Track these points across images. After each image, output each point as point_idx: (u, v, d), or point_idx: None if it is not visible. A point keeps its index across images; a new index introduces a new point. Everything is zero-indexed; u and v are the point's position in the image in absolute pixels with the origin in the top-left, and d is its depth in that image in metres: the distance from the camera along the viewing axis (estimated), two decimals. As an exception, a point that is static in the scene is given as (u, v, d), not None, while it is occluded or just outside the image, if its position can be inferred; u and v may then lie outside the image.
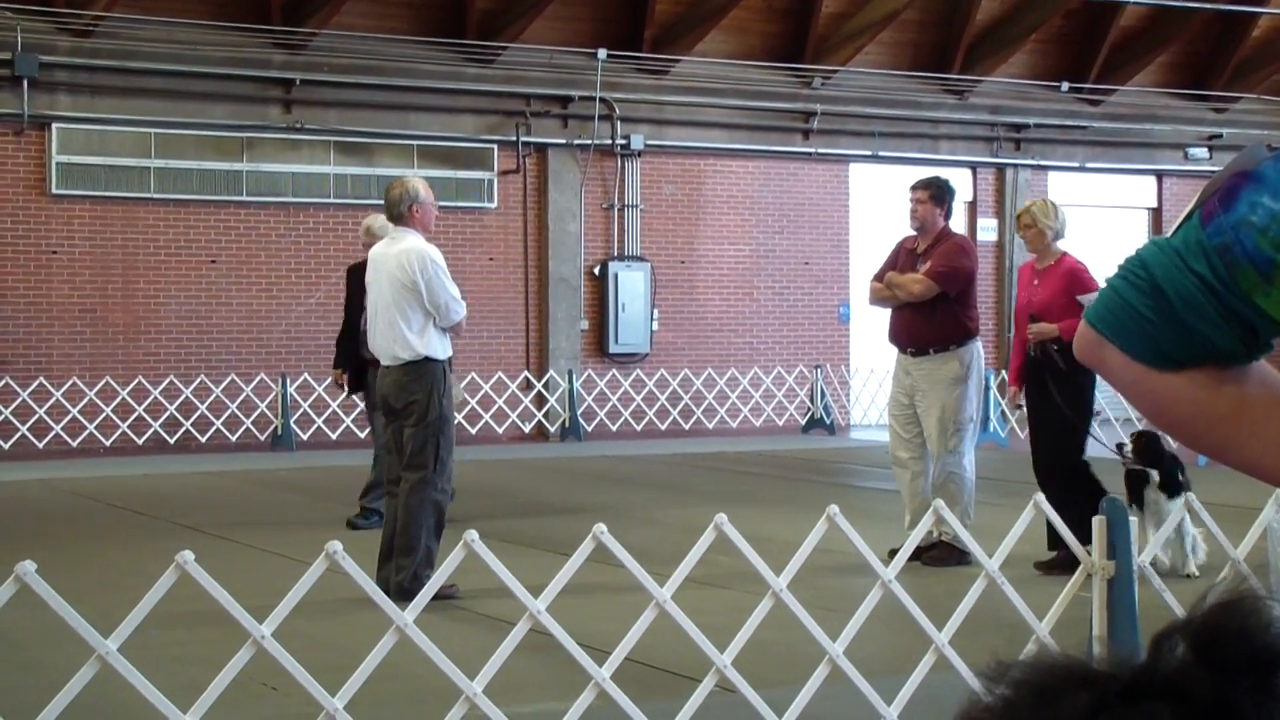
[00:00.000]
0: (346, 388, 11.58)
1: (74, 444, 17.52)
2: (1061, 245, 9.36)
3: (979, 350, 9.64)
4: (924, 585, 8.14)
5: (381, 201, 8.94)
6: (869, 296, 9.97)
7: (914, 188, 9.83)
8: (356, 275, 10.94)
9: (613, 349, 20.42)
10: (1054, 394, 8.83)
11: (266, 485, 14.30)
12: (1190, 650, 0.94)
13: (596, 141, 20.20)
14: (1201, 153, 24.20)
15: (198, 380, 18.21)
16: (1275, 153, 1.55)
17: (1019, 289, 9.61)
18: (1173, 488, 8.67)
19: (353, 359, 11.07)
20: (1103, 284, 1.65)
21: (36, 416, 17.35)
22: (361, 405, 17.64)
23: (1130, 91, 23.57)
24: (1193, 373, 1.57)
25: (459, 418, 16.98)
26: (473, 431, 18.55)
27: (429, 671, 5.15)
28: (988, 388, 16.61)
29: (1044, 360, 8.97)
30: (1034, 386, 9.16)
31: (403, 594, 7.21)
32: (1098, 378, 9.01)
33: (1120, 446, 8.91)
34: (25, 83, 17.42)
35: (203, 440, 18.13)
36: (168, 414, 18.04)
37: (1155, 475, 8.78)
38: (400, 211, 8.50)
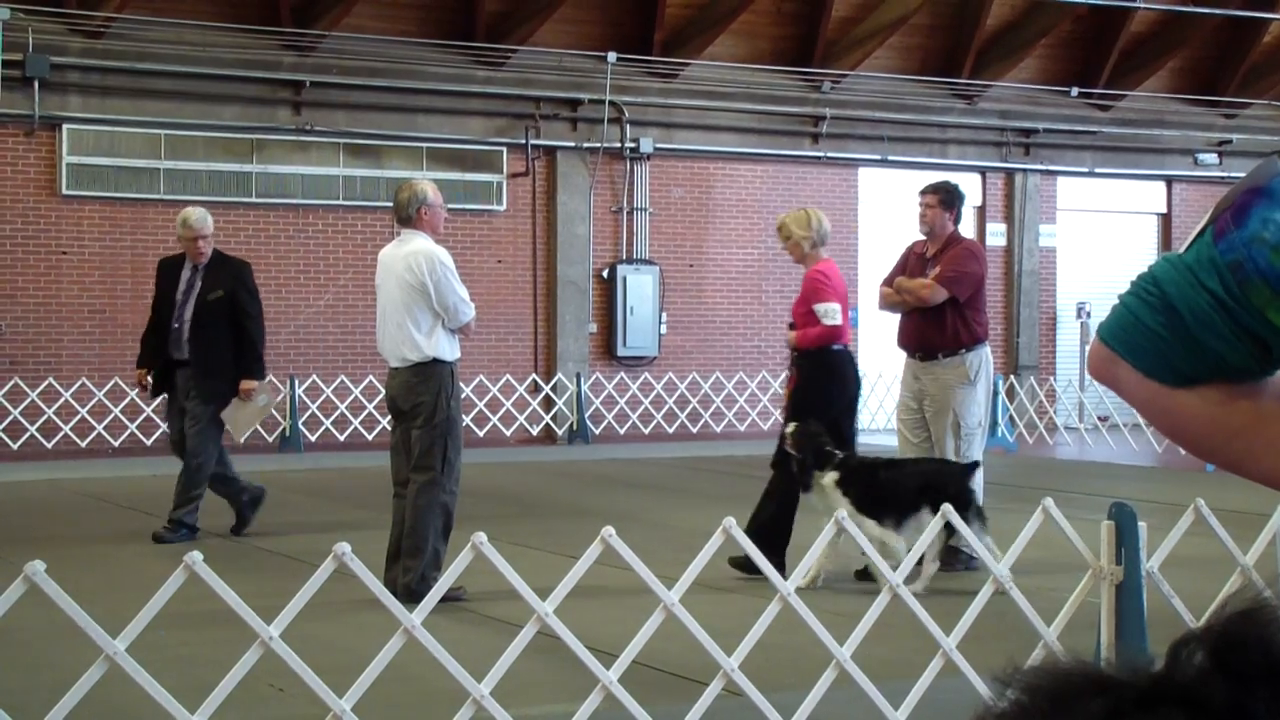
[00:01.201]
0: (150, 389, 10.87)
1: (83, 444, 17.54)
2: (824, 252, 9.41)
3: (988, 355, 9.64)
4: (932, 590, 8.13)
5: (390, 204, 8.95)
6: (878, 301, 9.97)
7: (923, 192, 9.83)
8: (167, 270, 10.58)
9: (621, 352, 20.42)
10: (792, 399, 9.26)
11: (274, 487, 14.26)
12: (1208, 658, 0.93)
13: (606, 144, 20.20)
14: (1211, 158, 24.16)
15: (206, 381, 18.20)
16: None
17: None
18: (803, 476, 8.82)
19: (159, 358, 10.53)
20: (1115, 301, 1.65)
21: (45, 417, 17.37)
22: (370, 406, 17.61)
23: (1140, 97, 23.54)
24: (1206, 389, 1.57)
25: (466, 420, 16.99)
26: (480, 434, 18.56)
27: (436, 673, 5.15)
28: (996, 393, 16.60)
29: (794, 366, 9.34)
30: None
31: (410, 595, 7.22)
32: (847, 394, 9.32)
33: (786, 428, 9.02)
34: (36, 84, 17.45)
35: (211, 441, 18.11)
36: (176, 415, 18.03)
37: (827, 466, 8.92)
38: (409, 214, 8.51)
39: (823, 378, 9.21)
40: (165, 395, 10.80)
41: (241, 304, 10.45)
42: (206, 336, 10.36)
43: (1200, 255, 1.55)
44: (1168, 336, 1.56)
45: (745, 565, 8.35)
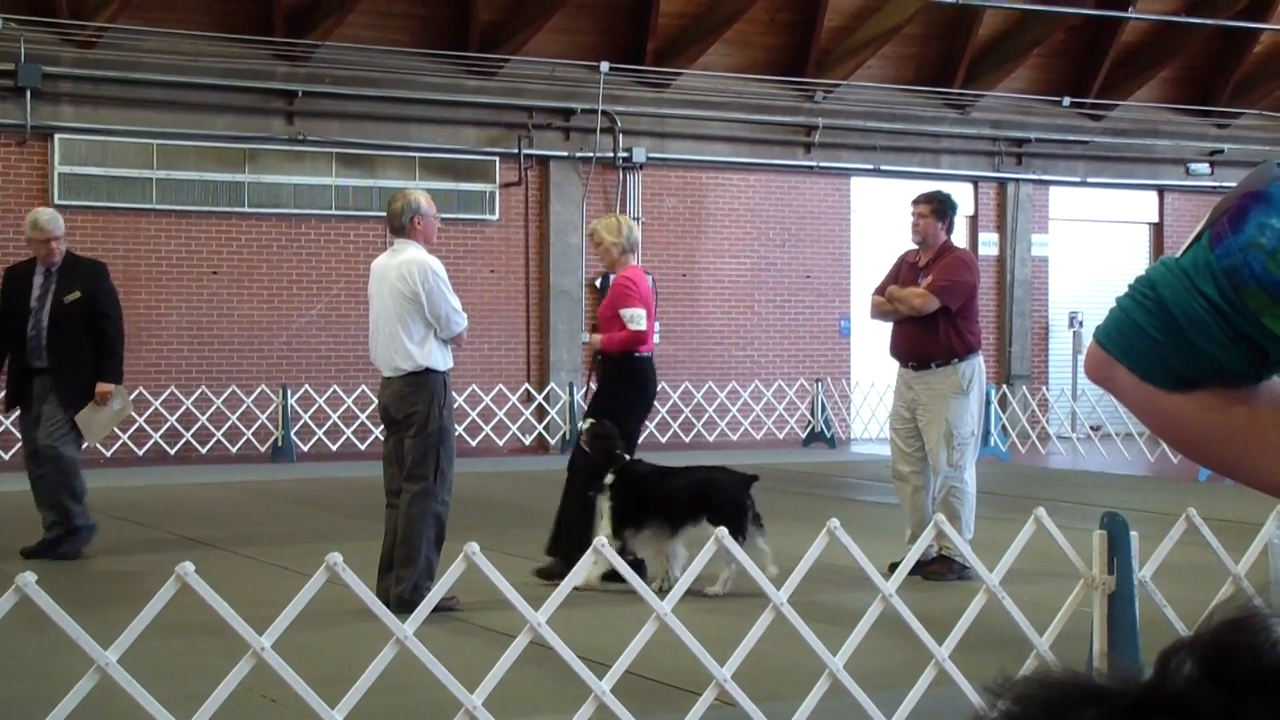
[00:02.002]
0: (4, 403, 10.44)
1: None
2: (632, 259, 9.53)
3: (980, 364, 9.65)
4: (924, 599, 8.13)
5: (383, 213, 8.95)
6: (871, 310, 9.98)
7: (915, 202, 9.84)
8: (16, 278, 10.24)
9: (614, 361, 20.39)
10: (592, 400, 9.49)
11: (267, 497, 14.28)
12: (1198, 667, 0.93)
13: (598, 154, 20.22)
14: (1203, 168, 24.21)
15: (198, 391, 18.21)
16: None
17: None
18: (591, 475, 8.90)
19: (15, 368, 10.12)
20: (1109, 307, 1.65)
21: (37, 427, 17.32)
22: (363, 416, 17.63)
23: (1132, 106, 23.59)
24: (1202, 393, 1.57)
25: (459, 429, 16.98)
26: (473, 444, 18.55)
27: (429, 684, 5.15)
28: (988, 402, 16.60)
29: (595, 369, 9.56)
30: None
31: (403, 606, 7.21)
32: (644, 400, 9.41)
33: (580, 426, 9.21)
34: (28, 93, 17.45)
35: (203, 451, 18.12)
36: (168, 425, 18.04)
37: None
38: (402, 224, 8.52)
39: (624, 383, 9.36)
40: (19, 408, 10.29)
41: (100, 305, 10.13)
42: (65, 341, 10.00)
43: (1196, 260, 1.55)
44: (1163, 340, 1.56)
45: (612, 576, 8.50)
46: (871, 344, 20.02)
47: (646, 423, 20.28)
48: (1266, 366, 1.56)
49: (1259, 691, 0.91)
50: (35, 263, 10.31)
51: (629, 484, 8.82)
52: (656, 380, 9.71)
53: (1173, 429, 1.62)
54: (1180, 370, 1.56)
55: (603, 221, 9.68)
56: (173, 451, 17.98)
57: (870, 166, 21.95)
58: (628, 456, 9.00)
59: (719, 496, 8.69)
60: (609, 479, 8.80)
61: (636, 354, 9.33)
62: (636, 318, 9.20)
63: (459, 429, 16.84)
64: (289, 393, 18.14)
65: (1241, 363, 1.54)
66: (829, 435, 20.34)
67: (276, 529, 11.84)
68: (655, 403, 20.37)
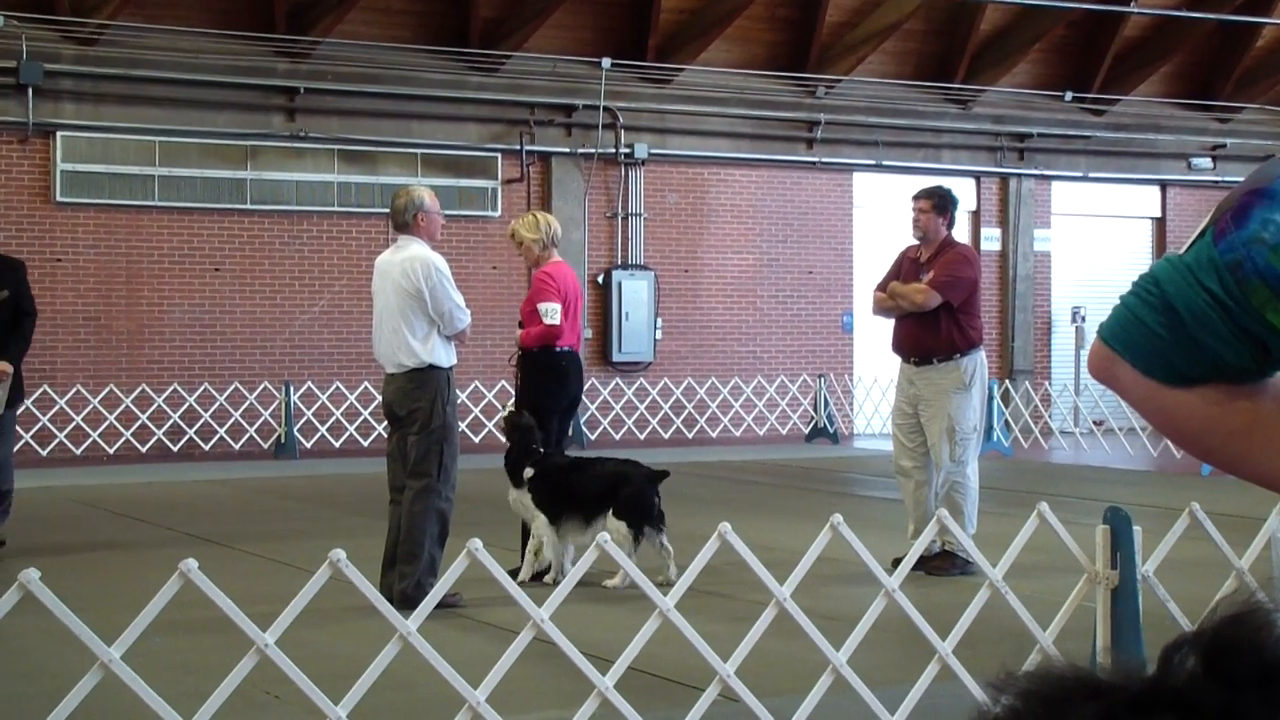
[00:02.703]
0: None
1: (77, 451, 17.52)
2: (556, 254, 9.56)
3: (982, 360, 9.64)
4: (927, 595, 8.13)
5: (385, 210, 8.96)
6: (872, 306, 9.98)
7: (917, 197, 9.83)
8: None
9: (616, 357, 20.42)
10: (516, 395, 9.55)
11: (270, 493, 14.29)
12: (1200, 662, 0.94)
13: (600, 150, 20.21)
14: (1205, 163, 24.19)
15: (201, 388, 18.21)
16: None
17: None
18: (511, 466, 9.02)
19: None
20: (1112, 303, 1.65)
21: (40, 424, 17.35)
22: (366, 413, 17.59)
23: (1134, 101, 23.57)
24: (1205, 389, 1.57)
25: (463, 426, 16.98)
26: (476, 440, 18.55)
27: (432, 680, 5.15)
28: (991, 397, 16.61)
29: (518, 364, 9.55)
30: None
31: (406, 602, 7.21)
32: (570, 391, 9.45)
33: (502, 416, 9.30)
34: (30, 91, 17.45)
35: (206, 448, 18.13)
36: (171, 421, 18.05)
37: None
38: (405, 220, 8.52)
39: (544, 377, 9.41)
40: None
41: (23, 303, 10.45)
42: None
43: (1200, 255, 1.55)
44: (1167, 336, 1.56)
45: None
46: (874, 339, 20.03)
47: (649, 417, 20.33)
48: (1269, 363, 1.56)
49: (1260, 686, 0.91)
50: None
51: (547, 477, 8.99)
52: (582, 375, 9.76)
53: (1175, 424, 1.62)
54: (1183, 366, 1.57)
55: (521, 220, 9.66)
56: (176, 448, 17.99)
57: (872, 162, 21.94)
58: (542, 450, 9.12)
59: (626, 490, 8.86)
60: (528, 473, 8.96)
61: (555, 348, 9.34)
62: (551, 312, 9.20)
63: (462, 425, 16.82)
64: (292, 389, 18.15)
65: (1244, 358, 1.55)
66: (832, 431, 20.34)
67: (280, 526, 11.85)
68: (658, 397, 20.50)
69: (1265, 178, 1.54)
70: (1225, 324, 1.53)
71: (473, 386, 18.84)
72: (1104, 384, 1.66)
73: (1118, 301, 1.63)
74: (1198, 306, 1.54)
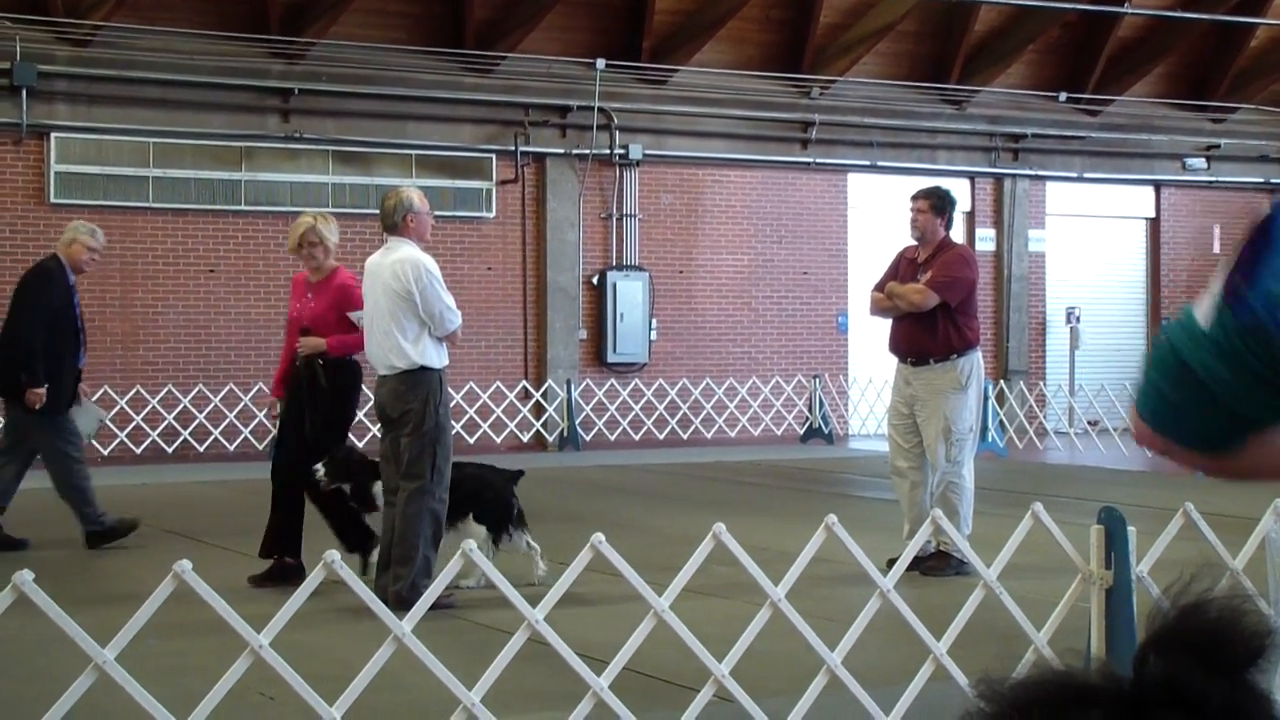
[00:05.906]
0: None
1: (72, 453, 17.47)
2: (333, 261, 9.46)
3: (979, 360, 9.64)
4: (922, 595, 8.13)
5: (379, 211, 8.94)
6: (870, 307, 9.98)
7: (914, 197, 9.83)
8: None
9: (611, 358, 20.42)
10: (311, 408, 9.11)
11: (264, 495, 14.24)
12: (1193, 658, 0.93)
13: (595, 151, 20.21)
14: (1199, 163, 24.21)
15: (196, 389, 18.20)
16: None
17: (292, 299, 9.71)
18: (363, 500, 8.86)
19: None
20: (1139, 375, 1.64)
21: (34, 426, 17.31)
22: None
23: (1128, 102, 23.59)
24: (1260, 440, 1.56)
25: (457, 427, 16.97)
26: (471, 441, 18.54)
27: (427, 681, 5.14)
28: (987, 398, 16.60)
29: (308, 374, 9.13)
30: (294, 398, 9.27)
31: (400, 603, 7.20)
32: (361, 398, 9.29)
33: (315, 470, 8.75)
34: (24, 92, 17.43)
35: (201, 449, 18.11)
36: (166, 423, 18.03)
37: (348, 489, 8.89)
38: (395, 221, 8.52)
39: (350, 387, 9.24)
40: None
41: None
42: None
43: (1221, 324, 1.53)
44: (1199, 411, 1.55)
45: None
46: (869, 340, 20.04)
47: (644, 418, 20.34)
48: None
49: (1250, 673, 0.91)
50: None
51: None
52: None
53: (1260, 473, 1.62)
54: (1222, 439, 1.56)
55: (324, 220, 9.52)
56: (170, 450, 17.98)
57: (867, 162, 21.95)
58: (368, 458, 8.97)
59: (486, 494, 8.82)
60: (376, 489, 8.68)
61: (354, 358, 9.19)
62: (361, 320, 8.87)
63: (456, 426, 16.84)
64: (286, 391, 18.11)
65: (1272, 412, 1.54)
66: (827, 431, 20.34)
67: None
68: (653, 398, 20.49)
69: (1263, 222, 1.53)
70: (1260, 391, 1.52)
71: (467, 387, 18.83)
72: (1157, 454, 1.66)
73: (1140, 376, 1.62)
74: (1224, 379, 1.52)
